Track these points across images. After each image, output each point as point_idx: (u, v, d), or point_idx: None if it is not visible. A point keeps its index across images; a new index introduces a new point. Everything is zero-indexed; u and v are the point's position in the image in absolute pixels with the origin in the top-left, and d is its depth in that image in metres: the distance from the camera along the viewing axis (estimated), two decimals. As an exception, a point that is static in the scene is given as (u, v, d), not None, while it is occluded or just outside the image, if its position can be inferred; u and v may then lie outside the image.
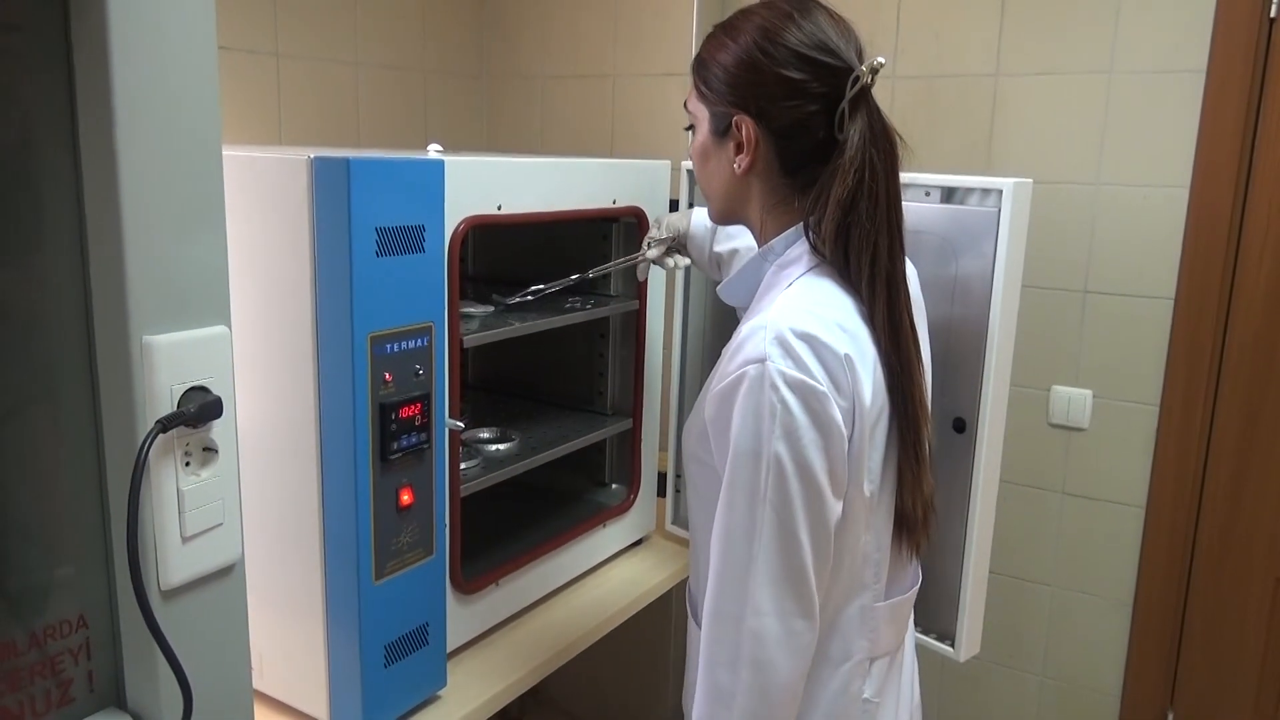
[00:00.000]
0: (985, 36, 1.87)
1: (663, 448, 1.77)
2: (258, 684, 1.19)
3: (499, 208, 1.28)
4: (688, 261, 1.45)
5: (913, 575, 1.12)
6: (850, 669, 1.02)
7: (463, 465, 1.36)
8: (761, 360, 0.89)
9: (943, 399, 1.33)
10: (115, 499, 0.79)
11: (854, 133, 0.94)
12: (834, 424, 0.89)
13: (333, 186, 1.03)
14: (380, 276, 1.07)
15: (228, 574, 0.85)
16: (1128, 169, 1.79)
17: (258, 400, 1.13)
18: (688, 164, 1.58)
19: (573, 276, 1.46)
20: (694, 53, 1.05)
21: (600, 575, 1.64)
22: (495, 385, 1.90)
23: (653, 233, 1.45)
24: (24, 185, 0.73)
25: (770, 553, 0.89)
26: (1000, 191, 1.26)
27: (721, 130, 1.00)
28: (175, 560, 0.79)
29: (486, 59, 2.32)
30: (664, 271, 1.62)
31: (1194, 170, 1.74)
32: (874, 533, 1.00)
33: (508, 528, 1.55)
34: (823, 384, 0.89)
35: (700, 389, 1.04)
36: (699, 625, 0.98)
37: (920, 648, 1.34)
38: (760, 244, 1.05)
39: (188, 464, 0.79)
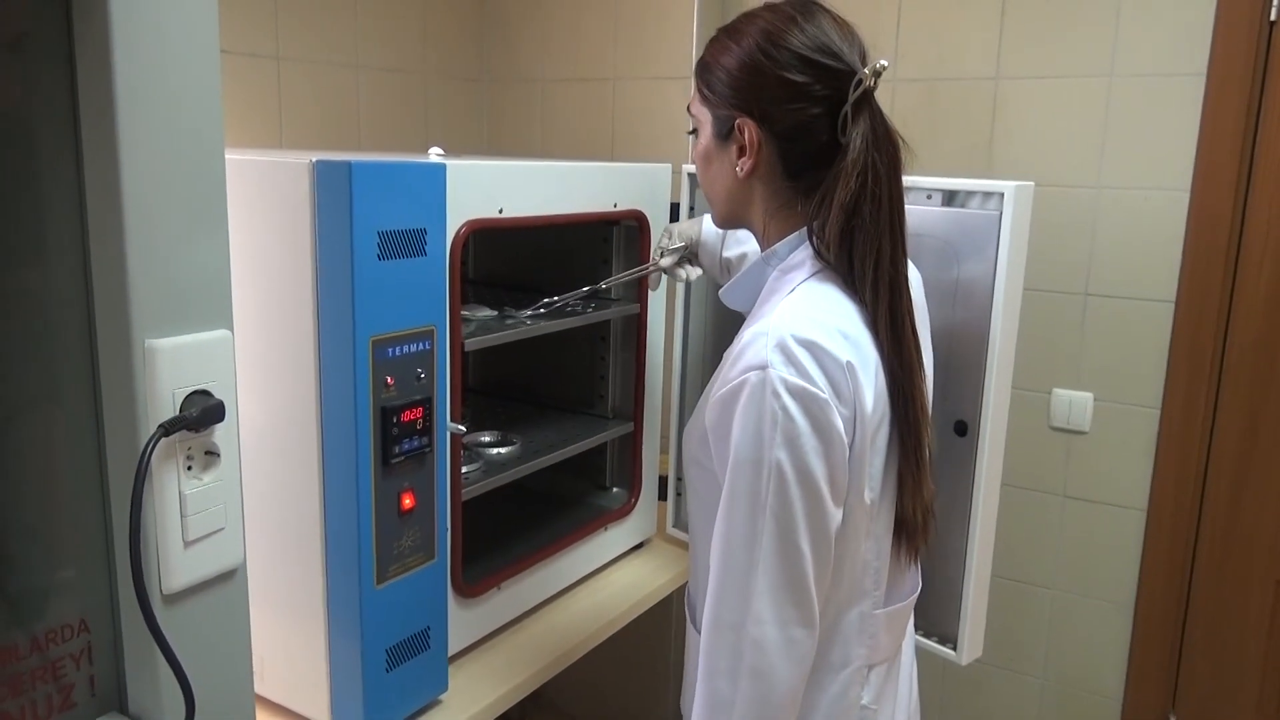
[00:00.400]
0: (986, 39, 1.87)
1: (664, 451, 1.76)
2: (259, 688, 1.19)
3: (500, 211, 1.28)
4: (699, 272, 1.44)
5: (912, 583, 1.11)
6: (849, 675, 1.01)
7: (464, 469, 1.36)
8: (763, 367, 0.88)
9: (944, 402, 1.33)
10: (117, 503, 0.78)
11: (857, 136, 0.93)
12: (835, 431, 0.89)
13: (335, 190, 1.03)
14: (382, 280, 1.07)
15: (230, 578, 0.84)
16: (1128, 172, 1.80)
17: (259, 404, 1.13)
18: (689, 167, 1.58)
19: (584, 289, 1.46)
20: (694, 56, 1.05)
21: (601, 579, 1.64)
22: (496, 389, 1.90)
23: (664, 242, 1.44)
24: (26, 188, 0.73)
25: (771, 561, 0.89)
26: (1002, 195, 1.26)
27: (724, 133, 1.00)
28: (177, 564, 0.79)
29: (487, 62, 2.32)
30: (675, 282, 1.61)
31: (1195, 173, 1.74)
32: (874, 539, 1.00)
33: (509, 531, 1.55)
34: (824, 391, 0.88)
35: (701, 392, 1.03)
36: (698, 630, 0.98)
37: (922, 651, 1.34)
38: (763, 248, 1.04)
39: (190, 468, 0.79)
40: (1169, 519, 1.84)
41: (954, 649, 1.40)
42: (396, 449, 1.11)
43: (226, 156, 0.80)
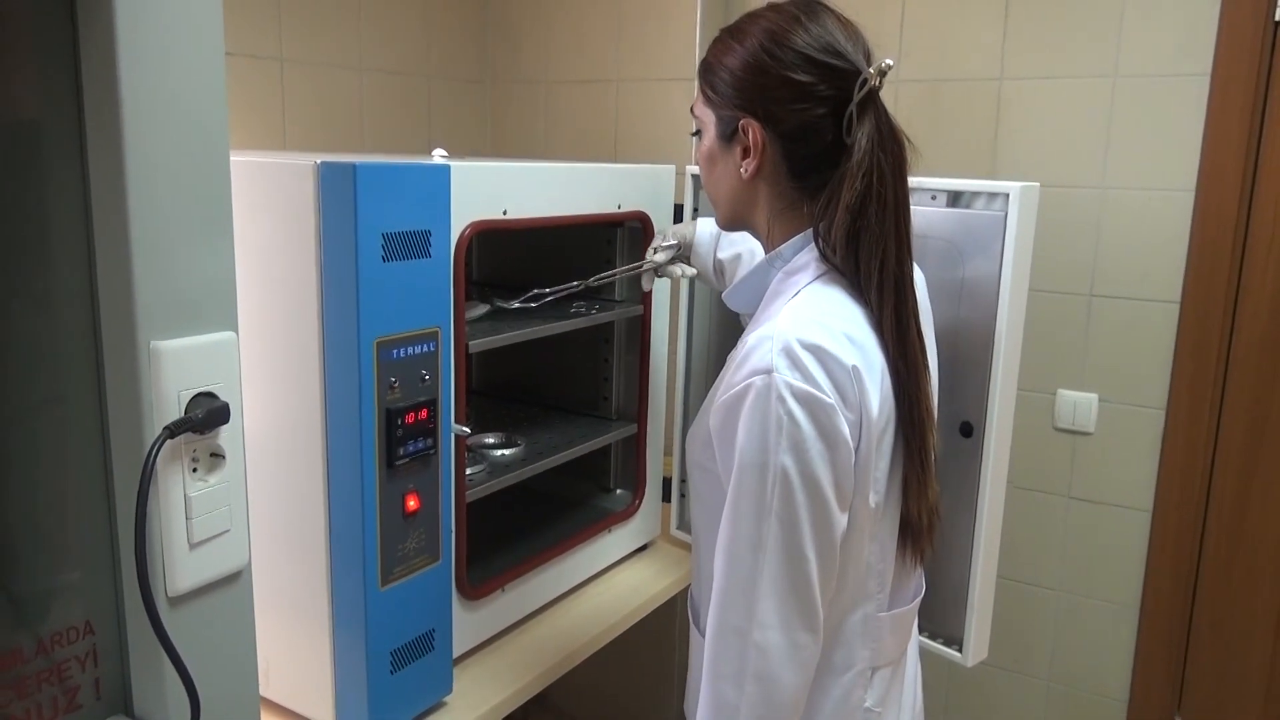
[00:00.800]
0: (989, 40, 1.87)
1: (667, 452, 1.76)
2: (264, 690, 1.19)
3: (504, 213, 1.28)
4: (694, 271, 1.44)
5: (916, 586, 1.11)
6: (852, 678, 1.01)
7: (468, 471, 1.36)
8: (768, 372, 0.88)
9: (950, 403, 1.32)
10: (123, 505, 0.78)
11: (862, 136, 0.93)
12: (840, 436, 0.89)
13: (339, 192, 1.03)
14: (386, 281, 1.07)
15: (235, 580, 0.84)
16: (1133, 172, 1.79)
17: (264, 406, 1.13)
18: (693, 169, 1.58)
19: (574, 283, 1.46)
20: (698, 56, 1.04)
21: (605, 580, 1.63)
22: (500, 390, 1.90)
23: (657, 241, 1.45)
24: (32, 190, 0.73)
25: (775, 566, 0.88)
26: (1007, 195, 1.26)
27: (728, 134, 1.00)
28: (182, 566, 0.79)
29: (490, 64, 2.32)
30: (669, 281, 1.62)
31: (1199, 173, 1.74)
32: (878, 542, 1.00)
33: (513, 533, 1.55)
34: (830, 396, 0.88)
35: (705, 394, 1.03)
36: (701, 632, 0.97)
37: (927, 653, 1.33)
38: (767, 250, 1.04)
39: (195, 470, 0.79)
40: (1174, 520, 1.84)
41: (959, 650, 1.39)
42: (401, 451, 1.11)
43: (231, 158, 0.80)
